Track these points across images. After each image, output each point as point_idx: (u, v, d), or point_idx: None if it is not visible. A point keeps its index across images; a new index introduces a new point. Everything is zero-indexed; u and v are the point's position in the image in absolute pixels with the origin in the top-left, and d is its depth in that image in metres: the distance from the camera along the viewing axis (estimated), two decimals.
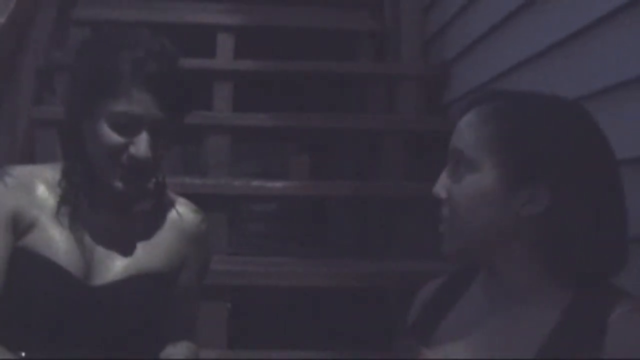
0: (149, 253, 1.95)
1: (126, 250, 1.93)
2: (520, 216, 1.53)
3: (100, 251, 1.91)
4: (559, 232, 1.52)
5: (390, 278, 3.10)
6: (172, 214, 2.03)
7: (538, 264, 1.56)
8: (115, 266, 1.91)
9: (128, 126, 1.82)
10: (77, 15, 4.45)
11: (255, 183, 3.55)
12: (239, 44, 4.51)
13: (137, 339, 1.91)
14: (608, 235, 1.53)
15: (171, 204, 2.04)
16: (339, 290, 3.26)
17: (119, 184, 1.85)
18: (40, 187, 1.91)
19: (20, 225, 1.87)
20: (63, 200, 1.90)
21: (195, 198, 2.12)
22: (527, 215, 1.53)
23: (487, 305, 1.63)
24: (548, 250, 1.54)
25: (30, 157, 3.47)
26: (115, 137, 1.82)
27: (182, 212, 2.04)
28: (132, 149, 1.82)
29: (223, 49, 4.50)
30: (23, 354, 1.82)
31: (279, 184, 3.56)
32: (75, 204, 1.90)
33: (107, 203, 1.93)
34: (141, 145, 1.82)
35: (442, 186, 1.62)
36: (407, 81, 4.27)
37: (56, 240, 1.87)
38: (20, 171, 1.94)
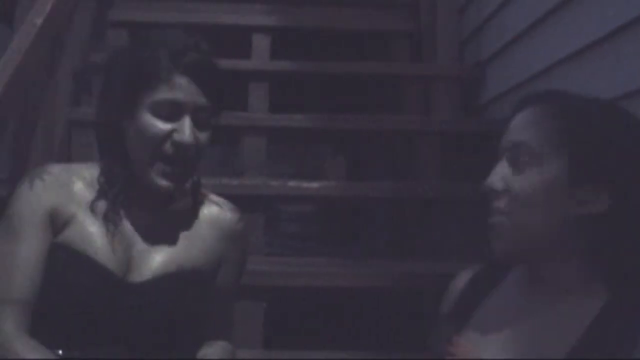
0: (187, 251, 1.96)
1: (164, 247, 1.94)
2: (577, 214, 1.53)
3: (139, 248, 1.92)
4: (614, 235, 1.52)
5: (426, 279, 3.10)
6: (210, 213, 2.04)
7: (586, 265, 1.55)
8: (154, 263, 1.91)
9: (171, 113, 1.84)
10: (114, 17, 4.49)
11: (292, 183, 3.56)
12: (274, 45, 4.52)
13: (174, 337, 1.91)
14: None
15: (209, 203, 2.06)
16: (375, 291, 3.26)
17: (161, 182, 1.86)
18: (78, 184, 1.93)
19: (57, 222, 1.88)
20: (101, 197, 1.92)
21: (232, 198, 2.13)
22: (585, 214, 1.52)
23: (523, 299, 1.63)
24: (599, 253, 1.53)
25: (66, 158, 3.49)
26: (159, 125, 1.84)
27: (220, 210, 2.05)
28: (176, 136, 1.84)
29: (259, 50, 4.51)
30: (60, 352, 1.83)
31: (315, 185, 3.56)
32: (114, 201, 1.91)
33: (146, 202, 1.95)
34: (185, 130, 1.84)
35: (499, 178, 1.61)
36: (443, 82, 4.26)
37: (94, 236, 1.88)
38: (59, 169, 1.95)
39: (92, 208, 1.90)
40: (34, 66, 2.90)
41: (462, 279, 1.80)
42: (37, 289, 1.85)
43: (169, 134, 1.84)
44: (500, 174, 1.61)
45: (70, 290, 1.84)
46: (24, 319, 1.84)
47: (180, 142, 1.84)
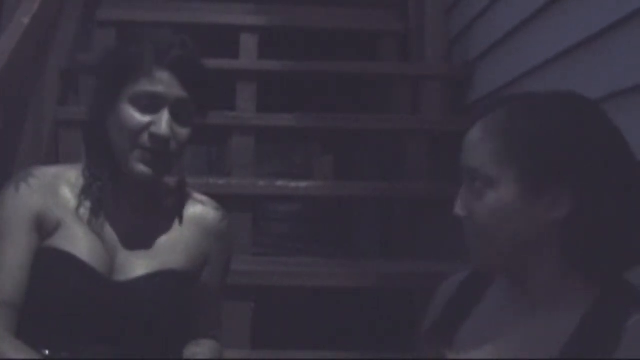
0: (171, 250, 1.96)
1: (149, 247, 1.95)
2: (545, 222, 1.52)
3: (124, 248, 1.93)
4: (584, 234, 1.51)
5: (414, 279, 3.09)
6: (194, 211, 2.04)
7: (564, 268, 1.55)
8: (139, 263, 1.92)
9: (150, 105, 1.85)
10: (102, 16, 4.48)
11: (279, 183, 3.55)
12: (262, 45, 4.52)
13: (160, 336, 1.91)
14: (632, 235, 1.53)
15: (193, 202, 2.06)
16: (363, 291, 3.25)
17: (141, 167, 1.86)
18: (64, 187, 1.93)
19: (45, 227, 1.89)
20: (86, 198, 1.91)
21: (220, 198, 2.13)
22: (551, 220, 1.52)
23: (510, 307, 1.62)
24: (574, 253, 1.53)
25: (55, 157, 3.48)
26: (136, 117, 1.85)
27: (203, 209, 2.06)
28: (153, 128, 1.84)
29: (247, 50, 4.51)
30: (47, 352, 1.82)
31: (303, 184, 3.56)
32: (99, 201, 1.91)
33: (131, 199, 1.95)
34: (162, 123, 1.84)
35: (462, 206, 1.61)
36: (431, 81, 4.26)
37: (80, 238, 1.88)
38: (44, 173, 1.96)
39: (77, 210, 1.90)
40: (21, 65, 2.89)
41: (450, 287, 1.80)
42: (24, 292, 1.86)
43: (146, 126, 1.85)
44: (462, 200, 1.62)
45: (57, 291, 1.84)
46: (10, 321, 1.84)
47: (156, 134, 1.83)
